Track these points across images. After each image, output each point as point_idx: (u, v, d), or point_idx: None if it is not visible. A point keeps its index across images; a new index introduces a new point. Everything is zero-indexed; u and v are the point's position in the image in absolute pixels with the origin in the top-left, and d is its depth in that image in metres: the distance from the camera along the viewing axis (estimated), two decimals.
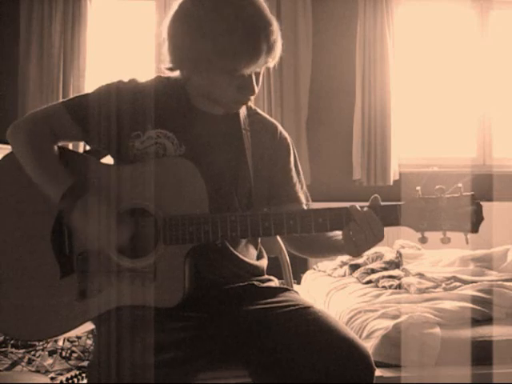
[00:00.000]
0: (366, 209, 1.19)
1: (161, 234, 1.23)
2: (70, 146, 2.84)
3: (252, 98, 1.32)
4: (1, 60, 3.78)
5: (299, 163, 1.50)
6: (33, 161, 1.29)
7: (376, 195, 1.22)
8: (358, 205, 1.20)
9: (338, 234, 1.28)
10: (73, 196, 1.23)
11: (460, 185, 1.18)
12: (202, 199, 1.24)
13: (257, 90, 1.29)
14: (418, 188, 1.20)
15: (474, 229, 1.18)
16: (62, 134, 1.34)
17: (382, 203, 1.21)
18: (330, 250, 1.35)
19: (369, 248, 1.22)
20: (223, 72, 1.24)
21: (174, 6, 1.28)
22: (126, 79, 1.37)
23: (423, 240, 1.20)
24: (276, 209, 1.42)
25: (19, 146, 1.31)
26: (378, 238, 1.20)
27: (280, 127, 1.48)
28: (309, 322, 1.23)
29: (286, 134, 1.48)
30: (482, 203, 1.18)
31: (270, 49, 1.23)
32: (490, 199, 3.70)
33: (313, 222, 1.21)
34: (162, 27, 1.30)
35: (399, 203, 1.20)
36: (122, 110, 1.32)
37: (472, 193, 1.17)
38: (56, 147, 1.33)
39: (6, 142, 1.37)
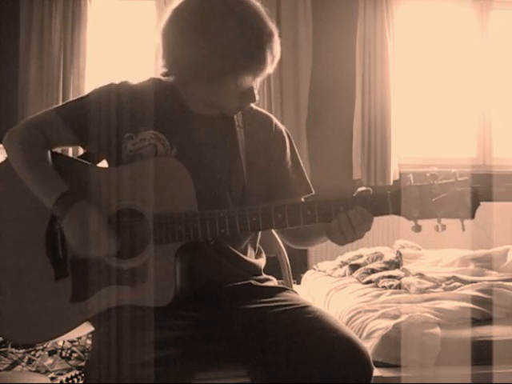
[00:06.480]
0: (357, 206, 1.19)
1: (150, 233, 1.23)
2: (70, 149, 2.88)
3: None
4: (1, 60, 3.78)
5: (298, 154, 1.48)
6: (26, 169, 1.30)
7: (364, 188, 1.22)
8: (347, 196, 1.20)
9: None
10: (65, 203, 1.24)
11: (454, 170, 1.13)
12: (190, 197, 1.23)
13: (257, 97, 1.30)
14: (410, 176, 1.17)
15: (470, 214, 1.13)
16: (56, 141, 1.35)
17: (372, 192, 1.20)
18: (318, 235, 1.34)
19: (356, 239, 1.22)
20: (226, 85, 1.24)
21: (177, 12, 1.24)
22: (117, 81, 1.37)
23: (417, 228, 1.16)
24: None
25: (14, 154, 1.33)
26: (366, 229, 1.20)
27: (275, 120, 1.47)
28: (307, 321, 1.23)
29: (281, 127, 1.47)
30: (481, 202, 1.13)
31: (274, 59, 1.24)
32: (489, 199, 3.70)
33: (301, 214, 1.20)
34: (159, 32, 1.27)
35: (388, 192, 1.18)
36: (114, 113, 1.33)
37: (467, 177, 1.13)
38: (49, 154, 1.33)
39: None
